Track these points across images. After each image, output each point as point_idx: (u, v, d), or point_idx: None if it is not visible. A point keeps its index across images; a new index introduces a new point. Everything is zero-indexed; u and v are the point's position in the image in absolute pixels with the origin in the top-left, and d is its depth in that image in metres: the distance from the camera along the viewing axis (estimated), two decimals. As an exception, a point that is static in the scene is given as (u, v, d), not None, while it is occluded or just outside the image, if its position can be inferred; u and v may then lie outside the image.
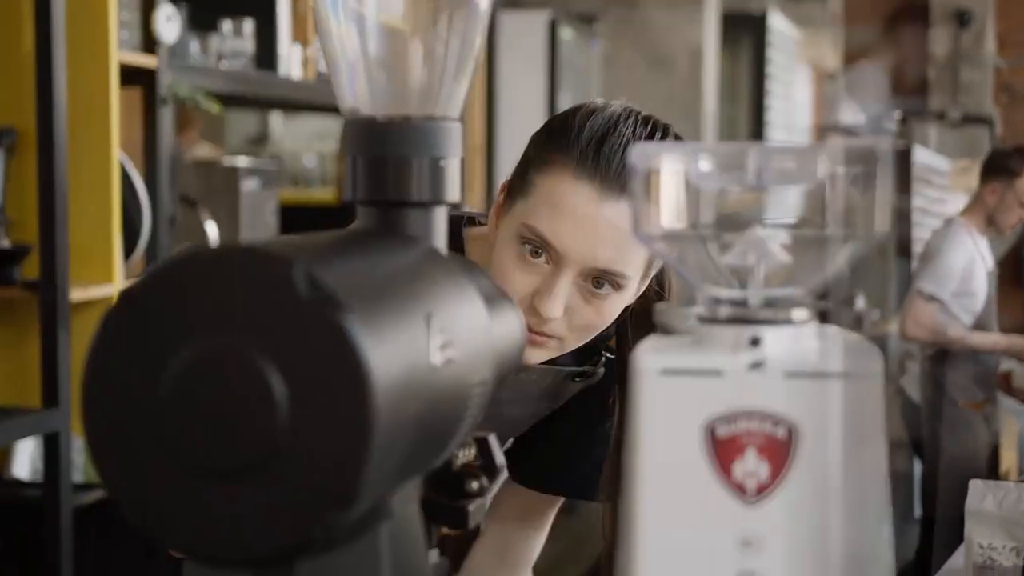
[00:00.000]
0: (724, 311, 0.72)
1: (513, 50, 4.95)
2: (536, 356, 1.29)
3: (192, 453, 0.62)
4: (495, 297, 0.87)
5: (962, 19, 9.38)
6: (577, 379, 1.42)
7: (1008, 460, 4.53)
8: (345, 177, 0.83)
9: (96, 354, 0.63)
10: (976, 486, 1.97)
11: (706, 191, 0.73)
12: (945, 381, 4.28)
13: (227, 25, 3.02)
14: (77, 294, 2.40)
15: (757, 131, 7.45)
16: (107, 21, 2.47)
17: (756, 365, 0.69)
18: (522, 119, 4.95)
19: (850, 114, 5.33)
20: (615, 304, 1.27)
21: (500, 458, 0.92)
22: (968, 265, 4.17)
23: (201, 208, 2.94)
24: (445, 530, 1.01)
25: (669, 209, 0.73)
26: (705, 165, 0.72)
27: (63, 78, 2.36)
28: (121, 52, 2.55)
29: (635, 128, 1.27)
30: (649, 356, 0.70)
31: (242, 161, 3.14)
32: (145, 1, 2.65)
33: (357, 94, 0.83)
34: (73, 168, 2.42)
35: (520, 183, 1.27)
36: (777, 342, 0.70)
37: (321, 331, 0.61)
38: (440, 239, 0.83)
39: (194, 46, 2.92)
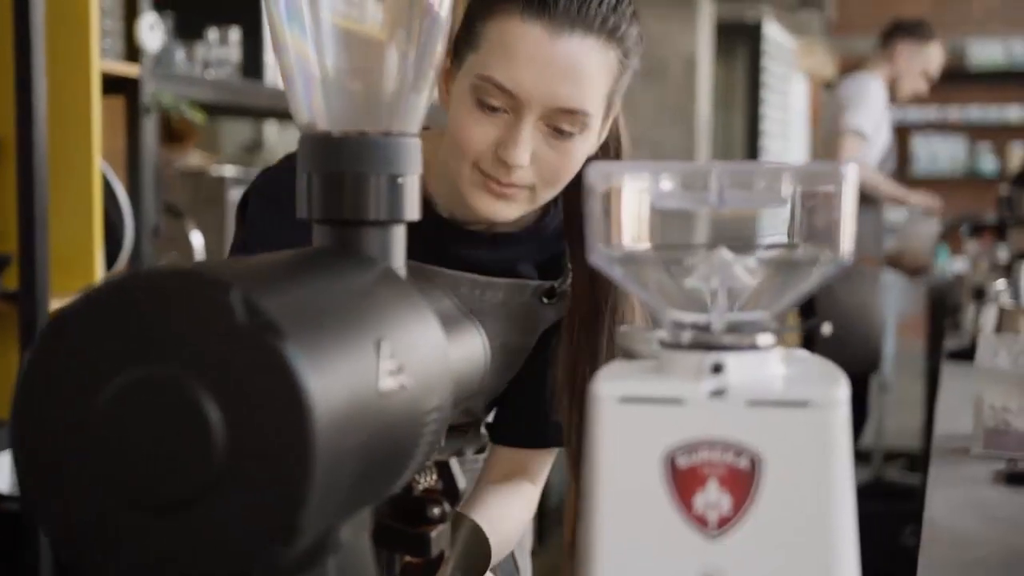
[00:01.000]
0: (687, 336, 0.69)
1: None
2: (509, 210, 1.27)
3: (126, 485, 0.60)
4: (455, 318, 0.85)
5: None
6: (545, 300, 1.40)
7: None
8: (299, 194, 0.81)
9: (27, 379, 0.61)
10: (987, 340, 1.86)
11: (667, 211, 0.70)
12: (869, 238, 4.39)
13: (213, 33, 3.00)
14: (57, 305, 2.37)
15: (752, 139, 7.43)
16: (89, 29, 2.44)
17: (717, 393, 0.66)
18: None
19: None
20: (580, 147, 1.25)
21: (462, 482, 0.89)
22: (881, 109, 4.32)
23: (187, 218, 2.91)
24: (407, 558, 0.98)
25: (629, 230, 0.71)
26: (666, 185, 0.69)
27: (43, 86, 2.33)
28: (104, 61, 2.52)
29: None
30: (608, 383, 0.67)
31: (230, 171, 3.12)
32: (129, 9, 2.62)
33: (313, 108, 0.81)
34: (54, 177, 2.39)
35: (466, 37, 1.25)
36: (741, 368, 0.67)
37: (259, 358, 0.58)
38: (399, 258, 0.81)
39: (179, 54, 2.90)
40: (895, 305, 6.04)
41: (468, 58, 1.24)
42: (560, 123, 1.22)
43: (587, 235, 0.70)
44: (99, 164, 2.45)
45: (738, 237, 0.71)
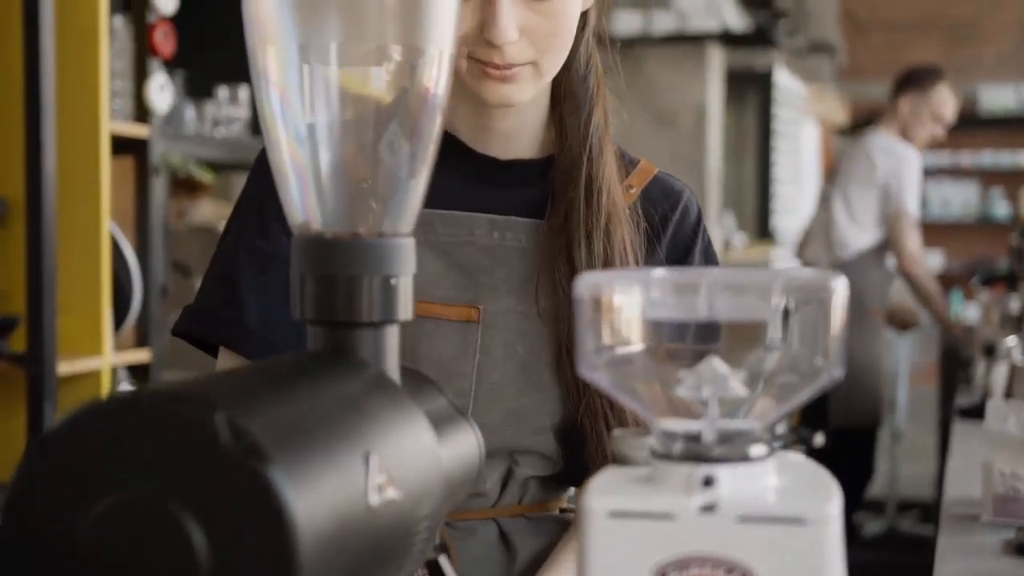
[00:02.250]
0: (677, 447, 0.69)
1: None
2: (520, 91, 1.18)
3: (110, 608, 0.59)
4: (447, 416, 0.84)
5: None
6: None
7: None
8: (293, 294, 0.81)
9: (12, 502, 0.60)
10: (996, 406, 1.84)
11: (657, 321, 0.70)
12: (862, 289, 4.35)
13: (222, 91, 3.02)
14: (65, 367, 2.38)
15: (763, 186, 7.44)
16: (99, 91, 2.46)
17: (708, 508, 0.66)
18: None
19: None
20: (568, 2, 1.17)
21: (455, 579, 0.88)
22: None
23: (196, 276, 2.92)
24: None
25: (618, 339, 0.70)
26: (656, 295, 0.69)
27: (53, 148, 2.34)
28: (113, 122, 2.54)
29: None
30: (598, 496, 0.67)
31: (238, 226, 3.12)
32: (138, 70, 2.64)
33: (306, 209, 0.81)
34: (63, 239, 2.40)
35: None
36: (732, 481, 0.67)
37: (244, 482, 0.58)
38: (391, 360, 0.80)
39: (189, 112, 2.92)
40: (908, 353, 6.03)
41: None
42: None
43: (576, 345, 0.70)
44: (107, 225, 2.46)
45: (730, 345, 0.70)
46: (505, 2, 1.13)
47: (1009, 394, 2.83)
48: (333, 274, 0.78)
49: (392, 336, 0.81)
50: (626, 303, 0.69)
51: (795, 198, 8.23)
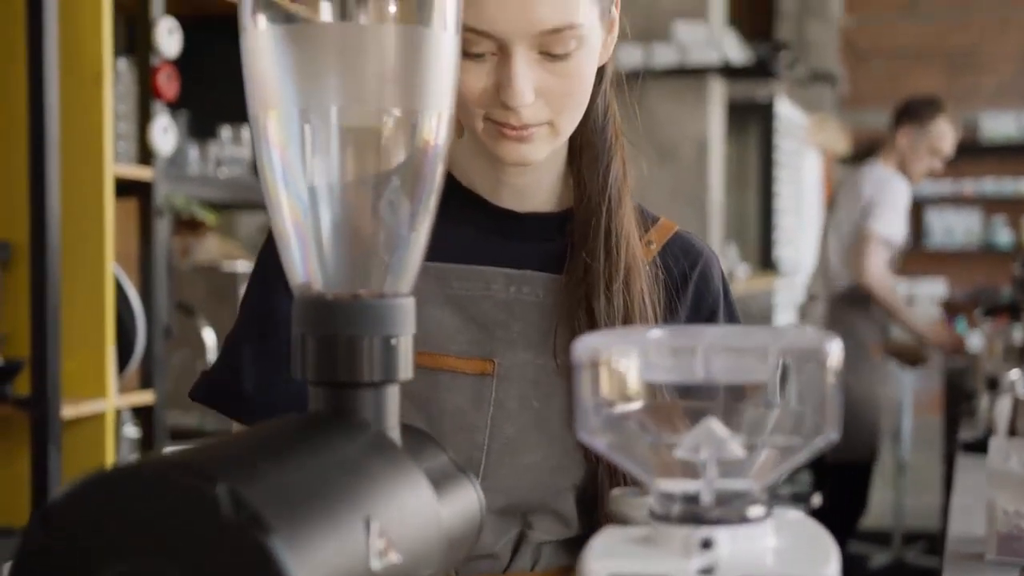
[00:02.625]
0: (676, 509, 0.69)
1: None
2: (536, 151, 1.17)
3: None
4: (449, 475, 0.85)
5: None
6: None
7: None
8: (294, 354, 0.81)
9: (16, 573, 0.61)
10: (998, 444, 1.83)
11: (654, 383, 0.71)
12: (856, 322, 4.35)
13: (226, 132, 3.03)
14: (69, 411, 2.38)
15: (766, 217, 7.45)
16: (103, 134, 2.47)
17: (707, 571, 0.66)
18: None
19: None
20: (584, 62, 1.15)
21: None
22: (906, 210, 4.37)
23: (199, 315, 2.92)
24: None
25: (616, 401, 0.71)
26: (653, 357, 0.70)
27: (57, 191, 2.36)
28: (117, 165, 2.55)
29: None
30: (597, 559, 0.67)
31: (243, 266, 3.13)
32: (142, 113, 2.65)
33: (307, 270, 0.82)
34: (67, 282, 2.41)
35: None
36: (731, 543, 0.67)
37: (246, 553, 0.58)
38: (392, 419, 0.81)
39: (193, 153, 2.93)
40: (912, 383, 6.02)
41: None
42: (552, 47, 1.13)
43: (575, 408, 0.71)
44: (111, 268, 2.47)
45: (727, 406, 0.71)
46: (521, 64, 1.12)
47: (1013, 428, 2.83)
48: (334, 335, 0.79)
49: (393, 395, 0.81)
50: (624, 366, 0.70)
51: (797, 228, 8.25)
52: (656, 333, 0.72)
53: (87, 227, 2.46)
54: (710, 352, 0.69)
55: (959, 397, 4.50)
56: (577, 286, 1.22)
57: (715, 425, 0.70)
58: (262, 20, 0.79)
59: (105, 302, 2.46)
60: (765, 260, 7.42)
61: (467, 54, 1.13)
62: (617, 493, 0.76)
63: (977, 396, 3.67)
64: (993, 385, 3.25)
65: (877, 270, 4.27)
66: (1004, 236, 10.03)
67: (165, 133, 2.65)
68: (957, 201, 10.12)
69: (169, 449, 2.75)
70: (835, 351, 0.68)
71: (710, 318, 1.26)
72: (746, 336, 0.73)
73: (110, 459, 2.49)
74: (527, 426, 1.20)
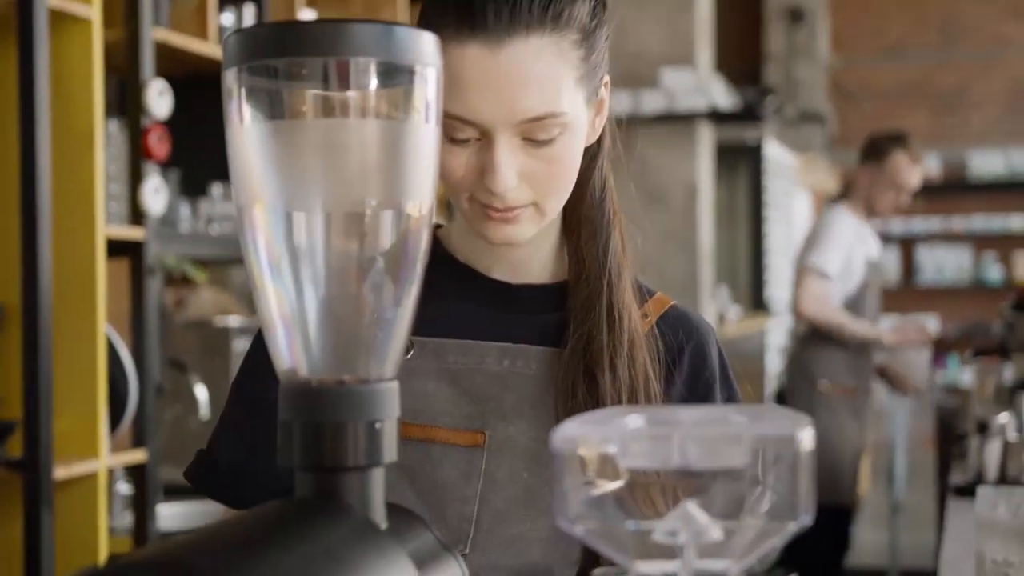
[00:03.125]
0: (655, 593, 0.71)
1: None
2: (521, 231, 1.18)
3: None
4: (434, 554, 0.86)
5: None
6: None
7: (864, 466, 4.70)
8: (280, 440, 0.83)
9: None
10: (986, 493, 1.83)
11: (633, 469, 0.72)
12: (813, 363, 4.35)
13: (217, 189, 3.06)
14: (61, 472, 2.39)
15: (756, 257, 7.49)
16: (94, 195, 2.49)
17: (686, 655, 0.67)
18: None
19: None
20: (568, 147, 1.16)
21: None
22: (849, 246, 4.33)
23: (191, 372, 2.94)
24: None
25: (595, 488, 0.72)
26: (631, 445, 0.71)
27: (49, 254, 2.37)
28: (109, 226, 2.57)
29: None
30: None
31: (235, 321, 3.15)
32: (133, 173, 2.68)
33: (293, 357, 0.83)
34: (59, 343, 2.42)
35: None
36: (710, 626, 0.69)
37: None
38: (377, 501, 0.82)
39: (184, 210, 2.95)
40: (905, 423, 6.03)
41: None
42: (535, 134, 1.14)
43: (554, 495, 0.72)
44: (103, 329, 2.49)
45: (705, 490, 0.73)
46: (504, 150, 1.13)
47: (1003, 472, 2.84)
48: (320, 421, 0.81)
49: (378, 478, 0.83)
50: (602, 453, 0.72)
51: (788, 268, 8.28)
52: (634, 420, 0.74)
53: (79, 288, 2.47)
54: (686, 439, 0.71)
55: (951, 436, 4.50)
56: (579, 360, 1.21)
57: (693, 509, 0.72)
58: (247, 116, 0.81)
59: (97, 363, 2.47)
60: (756, 301, 7.44)
61: (451, 139, 1.14)
62: (598, 573, 0.78)
63: (968, 437, 3.68)
64: (982, 428, 3.26)
65: (810, 299, 4.27)
66: (994, 272, 10.08)
67: (156, 193, 2.67)
68: (947, 238, 10.17)
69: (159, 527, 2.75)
70: (807, 438, 0.70)
71: (707, 392, 1.28)
72: (723, 421, 0.74)
73: (103, 519, 2.49)
74: (516, 498, 1.20)
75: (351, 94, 0.80)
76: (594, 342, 1.22)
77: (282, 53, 0.80)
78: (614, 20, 1.23)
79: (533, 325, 1.26)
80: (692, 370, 1.28)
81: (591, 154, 1.25)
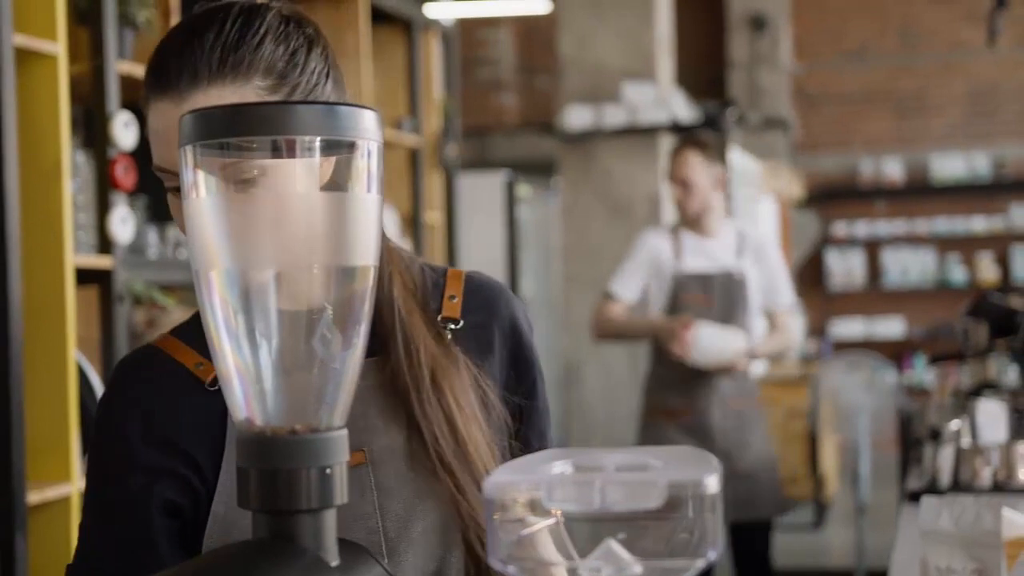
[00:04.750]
0: (580, 625, 0.78)
1: (474, 210, 5.09)
2: None
3: None
4: (384, 588, 0.93)
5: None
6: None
7: None
8: (239, 485, 0.90)
9: None
10: (929, 503, 1.88)
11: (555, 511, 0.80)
12: (645, 394, 4.21)
13: (184, 214, 3.12)
14: (34, 496, 2.44)
15: (723, 264, 7.57)
16: (62, 225, 2.55)
17: None
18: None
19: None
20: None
21: None
22: (652, 263, 4.13)
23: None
24: None
25: (523, 530, 0.79)
26: (556, 492, 0.79)
27: (19, 283, 2.43)
28: (77, 255, 2.62)
29: (198, 20, 1.22)
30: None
31: (202, 342, 3.20)
32: (101, 203, 2.73)
33: (248, 407, 0.90)
34: (29, 371, 2.47)
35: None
36: (629, 655, 0.76)
37: None
38: (329, 540, 0.89)
39: (152, 237, 3.01)
40: (868, 426, 6.13)
41: None
42: (238, 177, 1.16)
43: (487, 537, 0.79)
44: (73, 355, 2.54)
45: (626, 529, 0.80)
46: None
47: (956, 478, 2.92)
48: (274, 468, 0.88)
49: (330, 519, 0.90)
50: (530, 500, 0.79)
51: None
52: (558, 467, 0.81)
53: (49, 316, 2.53)
54: (606, 484, 0.78)
55: (912, 438, 4.58)
56: (399, 382, 1.28)
57: (614, 546, 0.79)
58: (202, 188, 0.88)
59: (68, 389, 2.53)
60: (723, 307, 7.53)
61: (169, 190, 1.21)
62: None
63: (923, 443, 3.76)
64: (936, 435, 3.34)
65: (596, 322, 4.15)
66: (959, 274, 10.21)
67: (123, 223, 2.73)
68: (912, 241, 10.30)
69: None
70: (713, 482, 0.77)
71: (528, 367, 1.35)
72: (641, 467, 0.81)
73: (76, 542, 2.54)
74: (410, 497, 1.26)
75: (298, 168, 0.87)
76: (399, 377, 1.27)
77: (234, 132, 0.87)
78: (330, 51, 1.27)
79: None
80: (509, 335, 1.35)
81: None
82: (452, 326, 1.31)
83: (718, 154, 4.12)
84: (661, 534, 0.79)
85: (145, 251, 2.95)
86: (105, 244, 2.72)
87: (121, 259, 2.75)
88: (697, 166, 4.05)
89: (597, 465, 0.81)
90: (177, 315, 3.56)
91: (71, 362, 2.53)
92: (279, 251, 0.88)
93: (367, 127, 0.89)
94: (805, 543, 6.63)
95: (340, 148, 0.89)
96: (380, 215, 0.91)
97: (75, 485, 2.56)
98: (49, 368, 2.52)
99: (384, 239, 1.33)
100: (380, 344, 1.29)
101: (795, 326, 4.29)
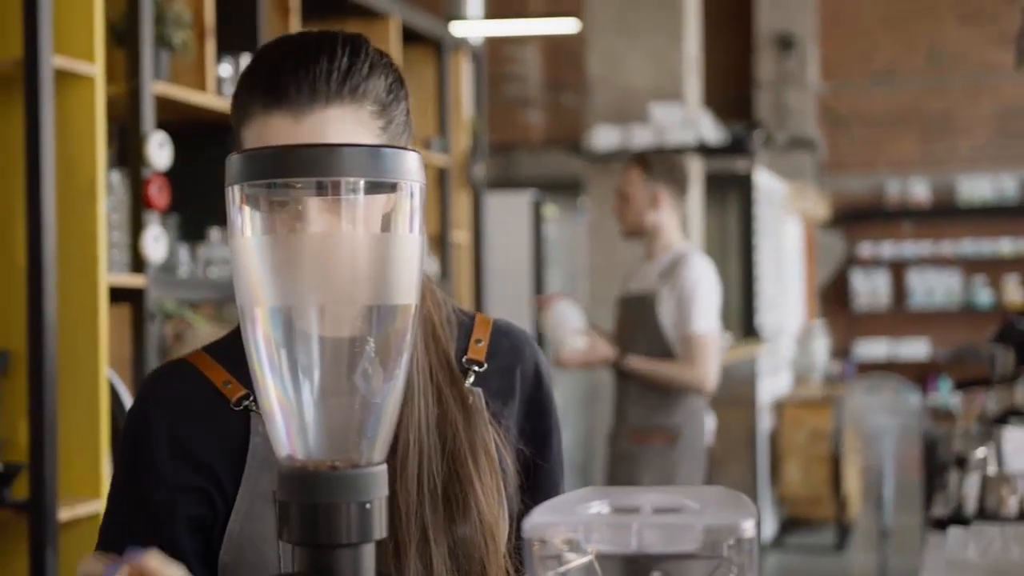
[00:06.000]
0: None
1: (500, 229, 5.11)
2: None
3: None
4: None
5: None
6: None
7: None
8: (279, 519, 0.91)
9: None
10: (956, 534, 1.88)
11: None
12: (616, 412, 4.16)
13: (215, 233, 3.15)
14: (66, 513, 2.47)
15: (747, 284, 7.57)
16: (97, 244, 2.58)
17: None
18: (510, 295, 5.11)
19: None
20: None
21: None
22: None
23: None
24: None
25: (561, 567, 0.81)
26: (594, 533, 0.80)
27: (53, 302, 2.46)
28: (111, 274, 2.65)
29: (308, 40, 1.24)
30: None
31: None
32: (135, 222, 2.76)
33: (291, 443, 0.92)
34: (63, 389, 2.50)
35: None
36: None
37: None
38: (368, 574, 0.91)
39: (183, 255, 3.04)
40: (893, 449, 6.12)
41: None
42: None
43: (495, 566, 0.81)
44: (106, 373, 2.57)
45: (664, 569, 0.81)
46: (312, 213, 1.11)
47: (982, 506, 2.91)
48: (315, 503, 0.90)
49: (368, 553, 0.91)
50: (568, 540, 0.80)
51: (779, 295, 8.37)
52: (595, 507, 0.82)
53: (82, 334, 2.56)
54: (643, 527, 0.80)
55: (937, 461, 4.55)
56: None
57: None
58: (248, 228, 0.90)
59: (100, 406, 2.56)
60: (747, 327, 7.52)
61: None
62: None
63: (949, 470, 3.74)
64: (962, 462, 3.33)
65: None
66: (984, 296, 10.17)
67: (156, 242, 2.75)
68: (937, 262, 10.26)
69: None
70: (750, 526, 0.79)
71: (543, 413, 1.36)
72: (678, 509, 0.83)
73: (106, 558, 2.57)
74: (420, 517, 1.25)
75: (342, 209, 0.89)
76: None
77: (281, 173, 0.89)
78: (410, 99, 1.31)
79: None
80: (530, 386, 1.37)
81: None
82: (476, 368, 1.32)
83: (663, 176, 4.07)
84: (697, 574, 0.81)
85: (177, 270, 2.98)
86: (138, 263, 2.75)
87: (153, 278, 2.78)
88: (635, 181, 4.06)
89: (634, 506, 0.83)
90: (204, 331, 3.60)
91: (103, 380, 2.56)
92: (323, 290, 0.90)
93: (410, 168, 0.91)
94: (826, 566, 6.61)
95: (384, 189, 0.91)
96: (422, 255, 0.93)
97: (104, 503, 2.58)
98: (82, 385, 2.55)
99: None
100: None
101: (704, 361, 4.00)
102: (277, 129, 1.21)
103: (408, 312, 0.93)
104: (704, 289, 4.01)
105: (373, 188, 0.90)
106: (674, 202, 4.07)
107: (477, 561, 1.23)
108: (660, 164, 4.12)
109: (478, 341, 1.35)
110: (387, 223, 0.91)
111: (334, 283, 0.90)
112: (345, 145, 0.90)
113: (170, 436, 1.26)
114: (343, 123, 1.22)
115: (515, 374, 1.36)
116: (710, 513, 0.80)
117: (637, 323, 4.06)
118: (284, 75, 1.21)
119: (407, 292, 0.92)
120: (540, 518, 0.81)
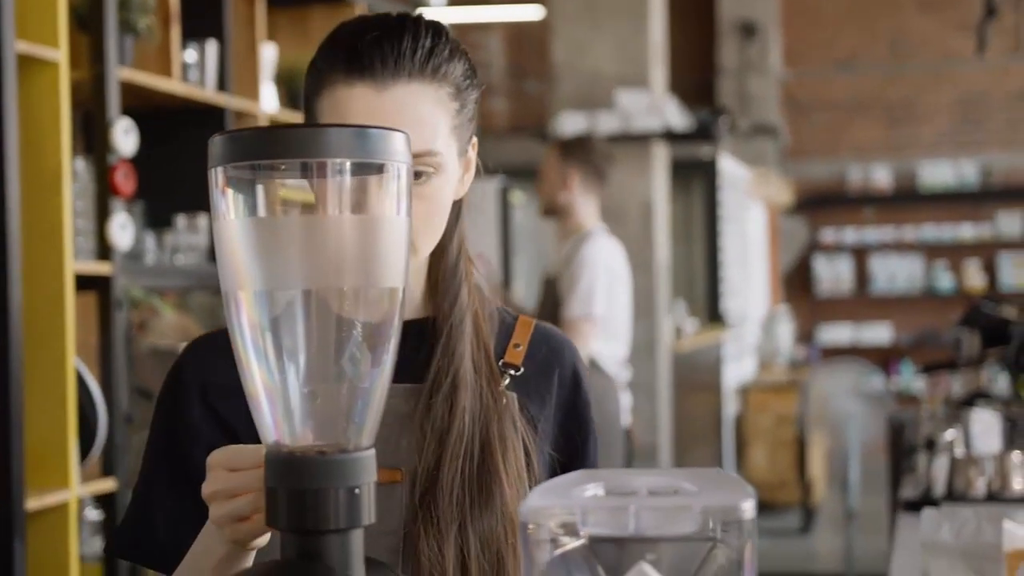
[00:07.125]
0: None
1: (467, 215, 5.07)
2: None
3: None
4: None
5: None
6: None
7: None
8: (267, 505, 0.90)
9: None
10: (930, 515, 1.88)
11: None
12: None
13: (181, 221, 3.11)
14: (33, 503, 2.44)
15: (712, 270, 7.60)
16: (62, 232, 2.55)
17: None
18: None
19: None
20: (440, 188, 1.25)
21: None
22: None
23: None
24: None
25: (557, 551, 0.80)
26: (590, 516, 0.79)
27: (19, 289, 2.42)
28: (77, 261, 2.62)
29: (390, 19, 1.25)
30: None
31: (198, 347, 3.19)
32: (100, 209, 2.73)
33: (277, 429, 0.91)
34: (29, 377, 2.47)
35: (308, 120, 1.26)
36: None
37: None
38: (356, 560, 0.90)
39: (150, 242, 3.01)
40: (859, 432, 6.15)
41: None
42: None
43: (521, 558, 0.80)
44: (72, 361, 2.54)
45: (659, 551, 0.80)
46: None
47: (950, 488, 2.93)
48: (303, 488, 0.88)
49: (357, 538, 0.90)
50: (564, 523, 0.79)
51: (743, 279, 8.40)
52: (591, 490, 0.81)
53: (49, 322, 2.53)
54: (640, 509, 0.79)
55: (902, 445, 4.57)
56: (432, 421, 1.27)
57: (647, 569, 0.80)
58: (231, 211, 0.88)
59: (67, 394, 2.53)
60: (712, 313, 7.55)
61: None
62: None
63: (917, 452, 3.76)
64: (930, 445, 3.35)
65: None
66: (946, 281, 10.25)
67: (123, 229, 2.72)
68: (899, 248, 10.33)
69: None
70: (749, 507, 0.78)
71: (582, 421, 1.36)
72: (674, 490, 0.82)
73: (74, 548, 2.55)
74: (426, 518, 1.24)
75: (328, 190, 0.88)
76: (424, 381, 1.28)
77: (265, 154, 0.87)
78: (481, 88, 1.33)
79: (404, 365, 1.21)
80: (567, 391, 1.36)
81: (456, 211, 1.33)
82: (512, 372, 1.32)
83: (578, 159, 4.10)
84: (694, 556, 0.80)
85: (143, 257, 2.95)
86: (104, 250, 2.72)
87: (120, 265, 2.75)
88: (550, 161, 4.14)
89: (629, 488, 0.82)
90: (170, 318, 3.56)
91: (71, 368, 2.53)
92: (308, 273, 0.89)
93: (397, 149, 0.89)
94: (792, 548, 6.65)
95: (370, 170, 0.89)
96: (409, 237, 0.92)
97: (74, 491, 2.55)
98: (49, 374, 2.52)
99: (464, 255, 1.34)
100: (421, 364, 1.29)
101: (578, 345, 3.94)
102: (359, 99, 1.21)
103: (396, 295, 0.91)
104: (588, 273, 3.97)
105: (359, 169, 0.88)
106: (588, 186, 4.12)
107: (495, 552, 1.23)
108: (577, 148, 4.17)
109: (516, 345, 1.35)
110: (373, 205, 0.90)
111: (319, 266, 0.89)
112: (330, 125, 0.89)
113: (201, 400, 1.27)
114: (423, 99, 1.23)
115: (552, 378, 1.36)
116: (707, 494, 0.79)
117: (547, 304, 4.08)
118: (370, 47, 1.21)
119: (394, 275, 0.90)
120: (536, 501, 0.80)
